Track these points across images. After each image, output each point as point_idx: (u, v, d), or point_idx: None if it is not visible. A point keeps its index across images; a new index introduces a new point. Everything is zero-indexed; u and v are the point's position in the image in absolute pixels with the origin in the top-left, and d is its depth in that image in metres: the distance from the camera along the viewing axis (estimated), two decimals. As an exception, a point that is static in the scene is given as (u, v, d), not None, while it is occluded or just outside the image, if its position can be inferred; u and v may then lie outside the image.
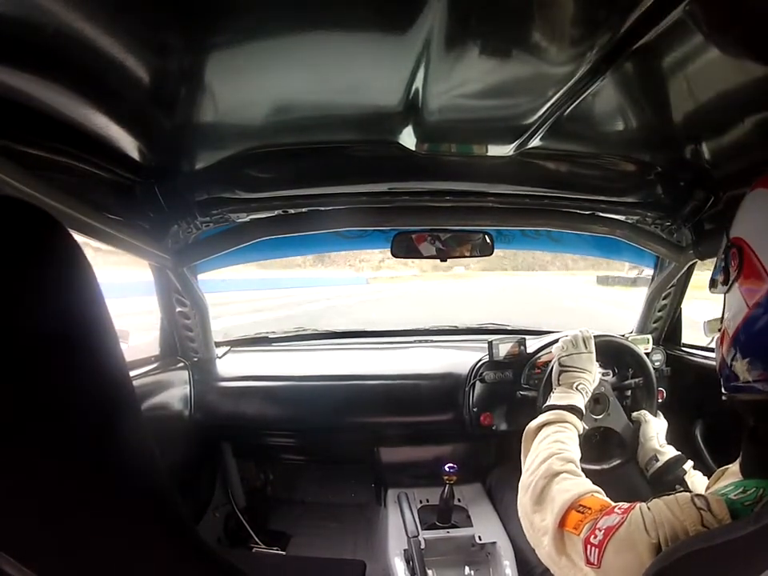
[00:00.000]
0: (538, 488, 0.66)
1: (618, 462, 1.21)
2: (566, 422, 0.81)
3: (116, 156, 0.86)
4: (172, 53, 0.63)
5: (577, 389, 0.93)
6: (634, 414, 1.22)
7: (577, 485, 0.64)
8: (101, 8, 0.51)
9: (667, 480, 1.00)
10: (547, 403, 0.90)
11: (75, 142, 0.76)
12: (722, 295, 0.61)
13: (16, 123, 0.65)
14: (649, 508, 0.52)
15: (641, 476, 1.44)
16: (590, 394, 0.96)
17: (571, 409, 0.85)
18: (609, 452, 1.23)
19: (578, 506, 0.58)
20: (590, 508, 0.57)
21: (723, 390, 0.60)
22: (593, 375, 0.99)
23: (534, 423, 0.82)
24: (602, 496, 0.62)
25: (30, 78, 0.60)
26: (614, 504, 0.57)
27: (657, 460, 1.05)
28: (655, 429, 1.14)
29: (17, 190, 0.62)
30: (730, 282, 0.57)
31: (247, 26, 0.58)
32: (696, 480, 0.97)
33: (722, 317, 0.61)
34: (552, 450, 0.72)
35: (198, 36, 0.60)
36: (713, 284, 0.63)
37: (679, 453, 1.05)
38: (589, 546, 0.52)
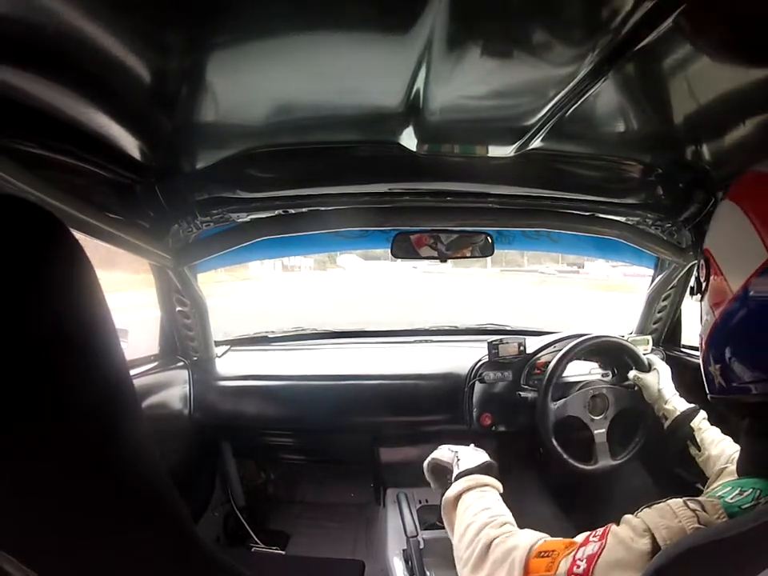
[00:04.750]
0: (480, 555, 0.61)
1: (643, 440, 1.30)
2: (486, 485, 0.74)
3: (117, 155, 0.86)
4: (173, 52, 0.63)
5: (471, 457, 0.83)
6: (629, 379, 1.28)
7: (523, 536, 0.60)
8: (102, 7, 0.51)
9: (677, 438, 1.05)
10: (458, 471, 0.79)
11: (76, 142, 0.76)
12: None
13: (17, 122, 0.65)
14: (638, 516, 0.51)
15: (644, 475, 1.46)
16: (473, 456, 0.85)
17: (486, 468, 0.78)
18: (632, 434, 1.32)
19: (536, 553, 0.55)
20: (553, 550, 0.54)
21: (708, 393, 0.61)
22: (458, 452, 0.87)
23: (450, 493, 0.74)
24: (553, 539, 0.59)
25: (30, 77, 0.60)
26: (580, 538, 0.54)
27: (665, 419, 1.11)
28: (657, 385, 1.19)
29: (17, 188, 0.62)
30: (702, 292, 0.59)
31: (248, 26, 0.58)
32: (706, 435, 0.99)
33: (701, 324, 0.62)
34: (483, 519, 0.66)
35: (199, 36, 0.60)
36: (691, 292, 0.65)
37: (687, 408, 1.08)
38: None
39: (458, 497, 0.73)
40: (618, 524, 0.52)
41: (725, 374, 0.55)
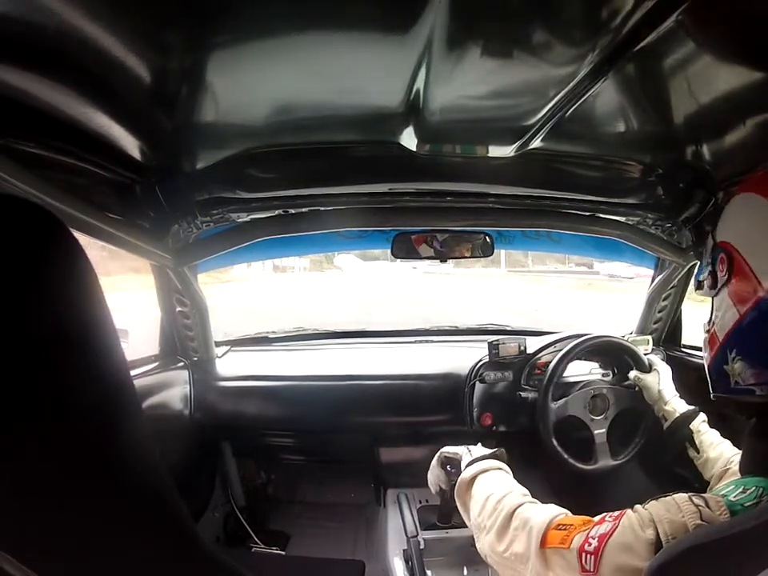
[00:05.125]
0: (503, 522, 0.64)
1: (643, 440, 1.30)
2: (499, 468, 0.78)
3: (117, 155, 0.86)
4: (173, 52, 0.63)
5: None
6: (630, 380, 1.28)
7: (545, 509, 0.63)
8: (102, 7, 0.51)
9: (676, 440, 1.05)
10: (471, 458, 0.83)
11: (76, 141, 0.76)
12: (709, 298, 0.61)
13: (17, 122, 0.65)
14: (645, 508, 0.52)
15: (644, 476, 1.46)
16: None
17: (498, 456, 0.82)
18: (632, 434, 1.31)
19: (555, 525, 0.57)
20: (570, 524, 0.56)
21: (712, 392, 0.61)
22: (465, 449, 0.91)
23: (466, 475, 0.78)
24: (573, 515, 0.61)
25: (31, 76, 0.60)
26: (597, 517, 0.56)
27: (665, 420, 1.11)
28: (657, 386, 1.19)
29: (18, 188, 0.62)
30: (719, 287, 0.57)
31: (248, 26, 0.58)
32: (705, 438, 0.99)
33: (710, 319, 0.61)
34: (503, 491, 0.69)
35: (199, 35, 0.60)
36: (699, 286, 0.63)
37: (686, 410, 1.08)
38: (584, 554, 0.51)
39: (473, 478, 0.77)
40: (632, 511, 0.53)
41: (748, 371, 0.54)
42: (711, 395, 0.62)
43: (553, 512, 0.61)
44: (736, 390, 0.55)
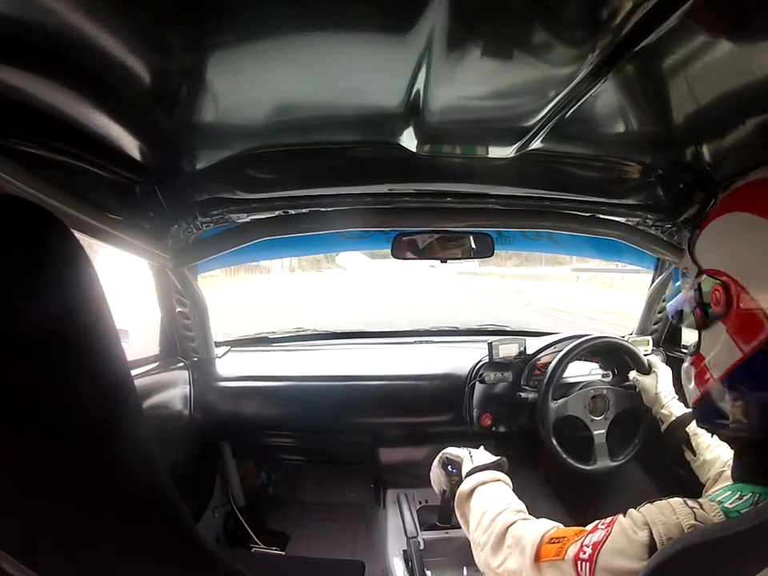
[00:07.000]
0: (497, 539, 0.64)
1: (642, 442, 1.32)
2: (499, 480, 0.78)
3: (117, 155, 0.86)
4: (173, 52, 0.63)
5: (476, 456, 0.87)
6: (630, 380, 1.29)
7: (538, 524, 0.63)
8: (102, 7, 0.51)
9: (673, 442, 1.05)
10: (472, 467, 0.83)
11: (76, 141, 0.76)
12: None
13: (17, 122, 0.65)
14: (640, 511, 0.52)
15: (645, 476, 1.46)
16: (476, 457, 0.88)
17: (498, 465, 0.82)
18: (631, 436, 1.33)
19: (548, 539, 0.57)
20: (563, 536, 0.56)
21: (696, 421, 0.61)
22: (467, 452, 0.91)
23: (465, 487, 0.78)
24: (566, 527, 0.61)
25: (30, 76, 0.60)
26: (590, 526, 0.56)
27: (662, 422, 1.12)
28: (655, 389, 1.19)
29: (17, 188, 0.62)
30: (711, 320, 0.52)
31: (248, 26, 0.58)
32: (702, 440, 0.99)
33: (696, 350, 0.57)
34: (498, 507, 0.69)
35: (199, 35, 0.60)
36: (679, 318, 0.59)
37: (683, 413, 1.08)
38: (579, 563, 0.51)
39: (472, 490, 0.77)
40: (624, 516, 0.53)
41: (752, 410, 0.50)
42: (696, 422, 0.62)
43: (545, 526, 0.61)
44: (718, 424, 0.55)
